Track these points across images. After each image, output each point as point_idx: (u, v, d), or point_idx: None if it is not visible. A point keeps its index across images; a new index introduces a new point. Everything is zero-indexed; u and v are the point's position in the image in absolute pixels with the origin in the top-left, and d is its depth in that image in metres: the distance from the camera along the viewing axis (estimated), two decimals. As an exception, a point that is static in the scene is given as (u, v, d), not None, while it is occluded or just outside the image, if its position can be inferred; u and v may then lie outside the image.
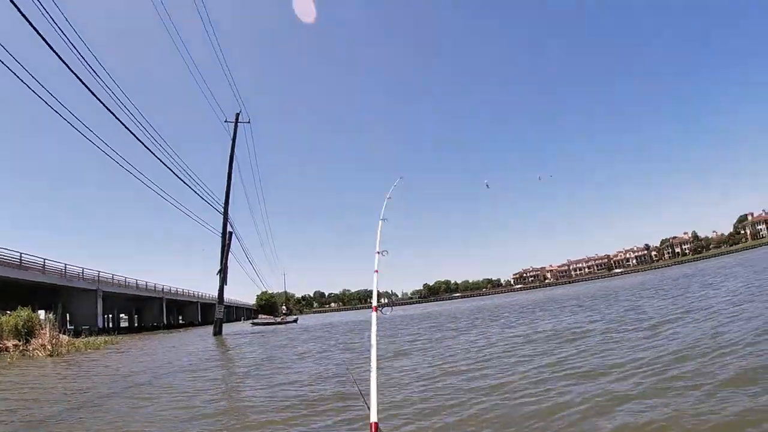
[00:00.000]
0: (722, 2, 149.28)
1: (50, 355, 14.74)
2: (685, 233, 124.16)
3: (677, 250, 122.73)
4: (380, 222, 4.13)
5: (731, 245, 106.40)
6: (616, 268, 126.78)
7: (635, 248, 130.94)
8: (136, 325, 48.59)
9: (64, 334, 18.90)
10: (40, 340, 15.97)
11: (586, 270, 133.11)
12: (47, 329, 16.93)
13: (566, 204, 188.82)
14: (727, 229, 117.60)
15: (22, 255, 26.01)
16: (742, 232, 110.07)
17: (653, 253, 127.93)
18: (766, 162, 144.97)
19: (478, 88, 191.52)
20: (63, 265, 29.89)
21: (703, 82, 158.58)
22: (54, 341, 16.08)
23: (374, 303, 3.38)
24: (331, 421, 4.46)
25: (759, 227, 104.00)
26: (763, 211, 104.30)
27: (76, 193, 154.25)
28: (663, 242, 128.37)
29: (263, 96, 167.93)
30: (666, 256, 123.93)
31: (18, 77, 8.22)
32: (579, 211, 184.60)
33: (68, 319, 32.26)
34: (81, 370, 11.21)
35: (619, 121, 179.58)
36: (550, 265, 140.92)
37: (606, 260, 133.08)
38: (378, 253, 3.66)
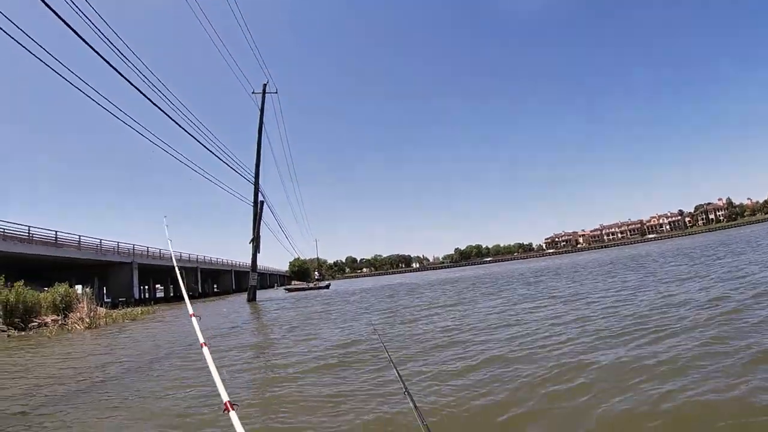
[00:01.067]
0: None
1: (88, 328, 15.19)
2: (719, 200, 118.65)
3: (711, 216, 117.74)
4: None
5: (767, 213, 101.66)
6: (649, 233, 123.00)
7: (669, 214, 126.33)
8: (171, 294, 50.36)
9: (101, 306, 19.52)
10: (78, 313, 16.47)
11: (619, 235, 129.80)
12: (85, 303, 17.45)
13: (599, 168, 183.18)
14: (762, 196, 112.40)
15: (58, 233, 26.94)
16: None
17: (687, 219, 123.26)
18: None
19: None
20: (98, 240, 30.92)
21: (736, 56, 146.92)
22: (92, 314, 16.53)
23: (190, 309, 3.22)
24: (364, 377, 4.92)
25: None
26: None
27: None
28: (697, 208, 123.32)
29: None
30: (700, 222, 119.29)
31: (49, 66, 8.02)
32: (612, 176, 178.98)
33: (105, 292, 33.54)
34: (116, 340, 11.74)
35: (653, 89, 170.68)
36: (583, 230, 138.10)
37: (639, 225, 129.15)
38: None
